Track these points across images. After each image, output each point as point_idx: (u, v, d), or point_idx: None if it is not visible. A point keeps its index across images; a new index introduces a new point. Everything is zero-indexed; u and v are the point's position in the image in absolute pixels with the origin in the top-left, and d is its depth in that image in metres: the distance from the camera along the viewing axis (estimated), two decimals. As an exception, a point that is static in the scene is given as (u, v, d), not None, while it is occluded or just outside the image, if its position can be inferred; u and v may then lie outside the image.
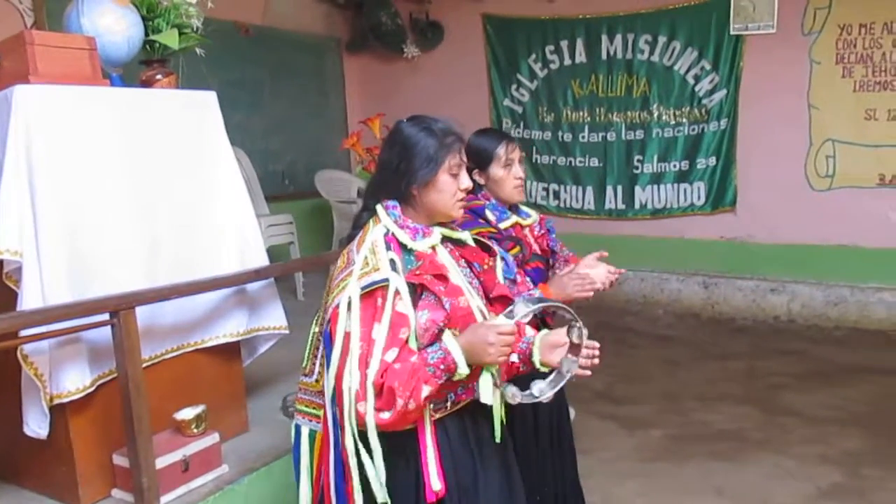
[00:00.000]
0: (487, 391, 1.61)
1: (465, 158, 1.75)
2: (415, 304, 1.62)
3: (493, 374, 1.61)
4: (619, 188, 6.27)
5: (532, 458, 2.31)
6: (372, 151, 4.61)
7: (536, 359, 1.76)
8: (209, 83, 3.03)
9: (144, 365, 2.39)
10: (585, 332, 1.69)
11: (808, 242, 5.62)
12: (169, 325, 2.62)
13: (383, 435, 1.56)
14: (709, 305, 5.97)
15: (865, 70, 5.33)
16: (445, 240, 1.79)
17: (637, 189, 6.20)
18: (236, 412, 2.95)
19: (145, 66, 2.78)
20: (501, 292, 1.83)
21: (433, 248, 1.73)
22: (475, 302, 1.72)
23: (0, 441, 2.60)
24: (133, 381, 2.28)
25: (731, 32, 5.69)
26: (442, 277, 1.67)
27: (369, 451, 1.58)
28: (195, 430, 2.55)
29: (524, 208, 2.44)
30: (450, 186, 1.71)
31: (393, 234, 1.68)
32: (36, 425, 2.30)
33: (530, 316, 1.64)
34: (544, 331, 1.81)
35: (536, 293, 2.10)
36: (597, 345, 1.72)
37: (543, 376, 1.78)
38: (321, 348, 1.80)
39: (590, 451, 3.50)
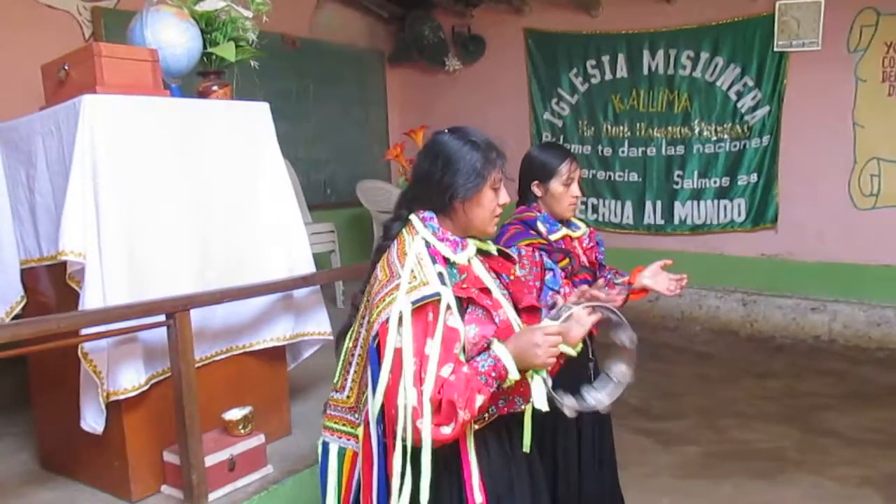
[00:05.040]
0: (541, 396, 1.60)
1: (506, 173, 1.75)
2: (462, 318, 1.60)
3: (544, 379, 1.60)
4: (659, 203, 6.26)
5: (573, 471, 2.34)
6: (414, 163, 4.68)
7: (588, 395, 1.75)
8: (259, 94, 3.13)
9: (196, 366, 2.47)
10: (634, 336, 1.68)
11: (850, 261, 5.55)
12: (220, 328, 2.71)
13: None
14: (747, 323, 5.91)
15: (912, 89, 5.26)
16: (477, 251, 1.77)
17: (676, 204, 6.18)
18: (280, 415, 3.03)
19: (202, 78, 2.88)
20: (530, 302, 1.81)
21: (469, 260, 1.72)
22: (511, 314, 1.72)
23: (57, 434, 2.71)
24: (186, 380, 2.36)
25: (775, 49, 5.65)
26: (486, 291, 1.67)
27: (417, 471, 1.53)
28: (242, 431, 2.62)
29: (574, 220, 2.46)
30: (491, 202, 1.70)
31: (435, 246, 1.66)
32: (93, 420, 2.40)
33: (568, 317, 1.64)
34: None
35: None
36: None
37: (592, 383, 1.78)
38: (353, 364, 1.78)
39: (625, 465, 3.45)
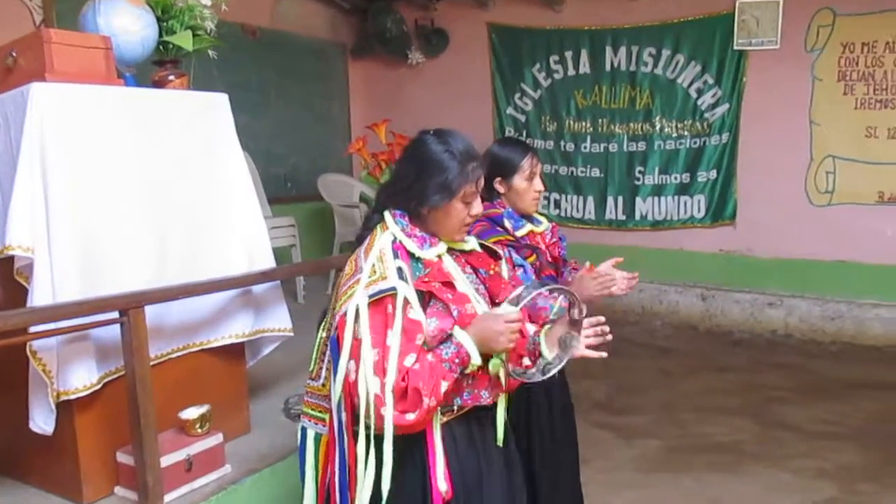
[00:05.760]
0: (502, 374, 1.70)
1: (481, 185, 1.75)
2: (424, 312, 1.64)
3: (502, 360, 1.68)
4: (620, 199, 6.31)
5: (549, 467, 2.35)
6: (377, 157, 4.61)
7: (545, 351, 1.78)
8: (217, 85, 3.05)
9: (151, 364, 2.39)
10: (584, 307, 1.73)
11: (806, 257, 5.66)
12: (176, 325, 2.63)
13: (393, 438, 1.58)
14: (707, 317, 6.00)
15: (867, 88, 5.38)
16: (451, 248, 1.80)
17: (638, 200, 6.24)
18: (239, 413, 2.96)
19: (158, 67, 2.79)
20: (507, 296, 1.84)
21: (439, 256, 1.75)
22: (481, 308, 1.73)
23: (5, 436, 2.61)
24: (140, 379, 2.29)
25: (735, 47, 5.74)
26: (449, 285, 1.69)
27: (380, 458, 1.60)
28: (199, 430, 2.55)
29: (536, 215, 2.46)
30: (460, 213, 1.72)
31: (401, 241, 1.70)
32: (42, 421, 2.31)
33: (529, 301, 1.66)
34: (547, 326, 1.82)
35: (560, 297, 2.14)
36: (602, 319, 1.75)
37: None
38: (328, 353, 1.80)
39: (587, 460, 3.49)
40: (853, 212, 5.51)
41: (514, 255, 2.22)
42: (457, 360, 1.60)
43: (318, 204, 6.37)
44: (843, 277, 5.55)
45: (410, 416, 1.55)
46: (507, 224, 2.31)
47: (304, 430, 1.92)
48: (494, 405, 1.79)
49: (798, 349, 5.47)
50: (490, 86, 6.76)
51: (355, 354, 1.58)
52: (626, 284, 2.31)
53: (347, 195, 6.05)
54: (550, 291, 1.78)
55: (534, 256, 2.28)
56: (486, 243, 1.92)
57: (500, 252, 1.93)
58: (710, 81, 5.88)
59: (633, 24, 6.06)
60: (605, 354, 1.74)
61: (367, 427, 1.60)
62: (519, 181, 2.33)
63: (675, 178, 6.10)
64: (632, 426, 4.09)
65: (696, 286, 6.06)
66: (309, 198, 6.38)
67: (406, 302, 1.60)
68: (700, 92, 5.93)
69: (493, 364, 1.68)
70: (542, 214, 2.50)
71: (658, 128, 6.10)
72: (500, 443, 1.82)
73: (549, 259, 2.40)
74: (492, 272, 1.85)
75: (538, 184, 2.36)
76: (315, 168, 6.48)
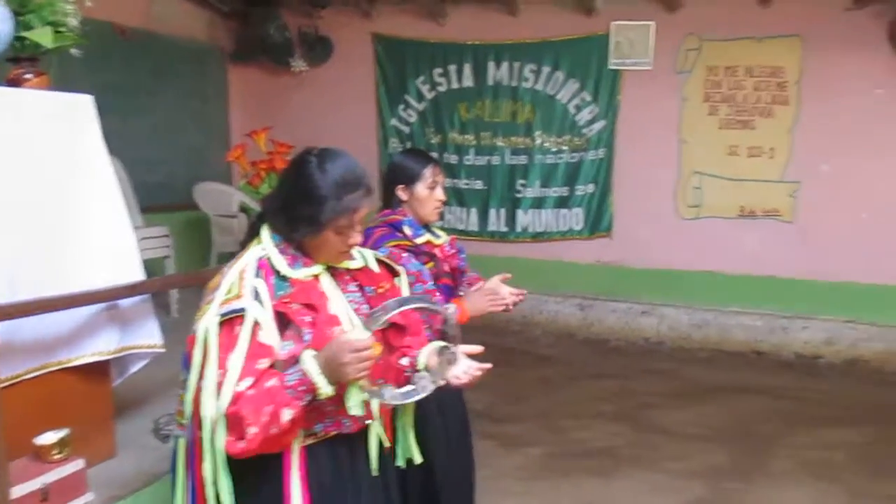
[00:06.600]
0: (356, 404, 1.58)
1: (361, 214, 1.66)
2: (282, 334, 1.56)
3: (359, 388, 1.57)
4: (503, 211, 6.43)
5: (448, 485, 2.36)
6: (257, 165, 4.49)
7: (421, 361, 1.75)
8: (84, 86, 2.86)
9: (2, 385, 2.20)
10: (453, 322, 1.70)
11: (676, 268, 5.96)
12: (30, 342, 2.44)
13: (245, 460, 1.52)
14: (585, 326, 6.19)
15: (729, 109, 5.74)
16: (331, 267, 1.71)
17: (519, 212, 6.38)
18: (103, 436, 2.78)
19: (13, 64, 2.59)
20: (393, 318, 1.73)
21: (317, 276, 1.66)
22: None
23: None
24: (-13, 403, 2.10)
25: (610, 67, 5.98)
26: (311, 307, 1.60)
27: (224, 482, 1.55)
28: (57, 456, 2.37)
29: (436, 229, 2.52)
30: (333, 244, 1.65)
31: (269, 257, 1.62)
32: None
33: (385, 322, 1.62)
34: (438, 343, 1.78)
35: (451, 308, 2.16)
36: (487, 366, 1.74)
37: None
38: None
39: (471, 470, 3.53)
40: (718, 225, 5.86)
41: (413, 261, 2.26)
42: (302, 388, 1.50)
43: (194, 213, 6.13)
44: (709, 287, 5.88)
45: (241, 444, 1.48)
46: (407, 230, 2.36)
47: (176, 439, 1.84)
48: (365, 431, 1.72)
49: (669, 356, 5.74)
50: (374, 96, 6.73)
51: (201, 374, 1.53)
52: (513, 300, 2.39)
53: (226, 205, 5.85)
54: (420, 308, 1.73)
55: (431, 263, 2.34)
56: (386, 259, 1.89)
57: (399, 269, 1.89)
58: (588, 98, 6.10)
59: (515, 41, 6.20)
60: (470, 384, 1.72)
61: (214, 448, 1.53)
62: (421, 189, 2.39)
63: (555, 192, 6.28)
64: (512, 435, 4.14)
65: (574, 296, 6.25)
66: (185, 207, 6.11)
67: (256, 324, 1.52)
68: (579, 108, 6.14)
69: (349, 393, 1.57)
70: (441, 230, 2.56)
71: (539, 142, 6.26)
72: (373, 471, 1.74)
73: (447, 270, 2.45)
74: (380, 290, 1.77)
75: (440, 193, 2.43)
76: (192, 176, 6.22)
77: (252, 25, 6.57)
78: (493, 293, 2.36)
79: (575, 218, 6.25)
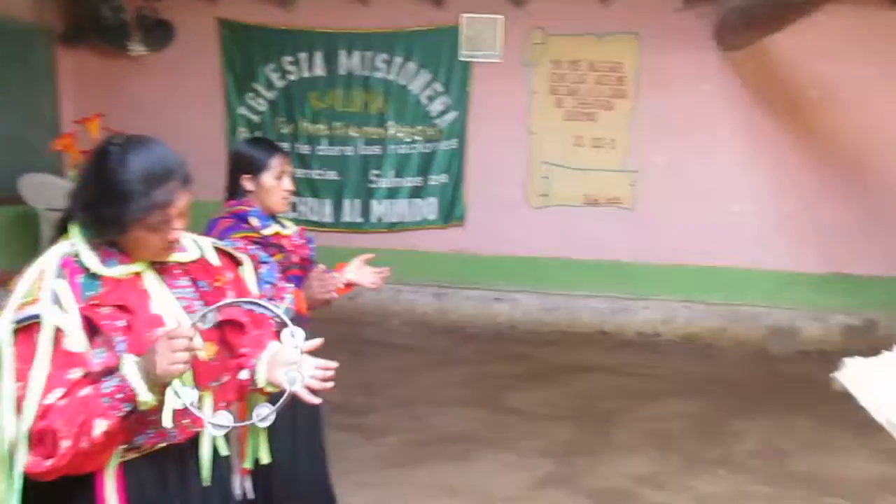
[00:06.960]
0: (168, 412, 1.40)
1: (179, 206, 1.49)
2: (92, 340, 1.40)
3: (176, 392, 1.40)
4: (357, 202, 6.38)
5: (286, 466, 2.28)
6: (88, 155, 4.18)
7: (261, 377, 1.56)
8: None
9: None
10: (299, 331, 1.50)
11: (526, 255, 6.17)
12: None
13: (56, 481, 1.36)
14: (441, 314, 6.26)
15: (574, 102, 5.99)
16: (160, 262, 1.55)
17: (373, 203, 6.35)
18: None
19: None
20: (230, 316, 1.61)
21: (138, 273, 1.50)
22: None
23: None
24: None
25: (460, 58, 6.07)
26: (124, 308, 1.44)
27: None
28: None
29: (284, 220, 2.46)
30: (150, 241, 1.48)
31: (76, 255, 1.45)
32: None
33: (211, 318, 1.52)
34: (276, 345, 1.60)
35: (283, 308, 2.11)
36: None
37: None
38: None
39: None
40: (565, 213, 6.10)
41: (260, 253, 2.20)
42: (119, 396, 1.34)
43: (20, 207, 5.63)
44: (558, 272, 6.12)
45: (48, 462, 1.33)
46: (254, 222, 2.30)
47: None
48: (195, 441, 1.57)
49: (522, 340, 5.93)
50: (221, 84, 6.44)
51: None
52: (376, 278, 2.40)
53: (57, 198, 5.39)
54: (247, 305, 1.60)
55: (281, 255, 2.29)
56: (228, 249, 1.74)
57: (242, 258, 1.75)
58: (440, 89, 6.16)
59: (366, 30, 6.15)
60: (319, 401, 1.53)
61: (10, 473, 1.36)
62: (268, 179, 2.33)
63: (409, 182, 6.30)
64: (370, 425, 4.12)
65: (430, 285, 6.31)
66: (9, 200, 5.60)
67: (59, 331, 1.36)
68: (431, 99, 6.19)
69: (166, 396, 1.39)
70: (288, 220, 2.50)
71: (392, 132, 6.25)
72: (205, 482, 1.59)
73: (297, 261, 2.40)
74: (218, 283, 1.63)
75: (287, 183, 2.38)
76: (17, 167, 5.69)
77: (83, 5, 6.10)
78: (322, 279, 2.32)
79: (429, 207, 6.31)
